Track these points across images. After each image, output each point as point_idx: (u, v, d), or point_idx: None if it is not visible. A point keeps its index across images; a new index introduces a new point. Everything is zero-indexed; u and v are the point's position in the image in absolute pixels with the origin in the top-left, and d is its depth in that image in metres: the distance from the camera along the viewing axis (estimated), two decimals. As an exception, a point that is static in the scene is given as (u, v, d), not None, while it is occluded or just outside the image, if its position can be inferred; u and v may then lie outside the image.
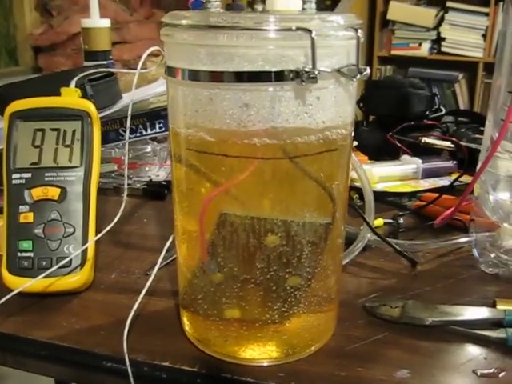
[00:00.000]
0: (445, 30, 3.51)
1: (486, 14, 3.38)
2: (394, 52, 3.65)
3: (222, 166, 0.44)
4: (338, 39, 0.42)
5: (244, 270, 0.46)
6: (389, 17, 3.58)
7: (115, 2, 3.27)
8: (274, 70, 0.40)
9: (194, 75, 0.42)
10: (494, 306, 0.55)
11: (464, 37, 3.47)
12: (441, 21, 3.53)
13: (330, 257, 0.49)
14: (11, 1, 3.17)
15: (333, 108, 0.43)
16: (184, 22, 0.42)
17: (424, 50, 3.57)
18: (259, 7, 0.45)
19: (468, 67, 3.50)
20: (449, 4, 3.47)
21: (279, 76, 0.40)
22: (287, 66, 0.40)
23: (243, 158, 0.43)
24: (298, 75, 0.40)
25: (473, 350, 0.51)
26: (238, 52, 0.40)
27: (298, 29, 0.39)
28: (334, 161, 0.46)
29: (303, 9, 0.47)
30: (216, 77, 0.41)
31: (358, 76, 0.43)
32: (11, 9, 3.18)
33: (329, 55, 0.42)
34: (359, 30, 0.43)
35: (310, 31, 0.39)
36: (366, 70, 0.43)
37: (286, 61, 0.40)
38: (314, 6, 0.48)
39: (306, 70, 0.40)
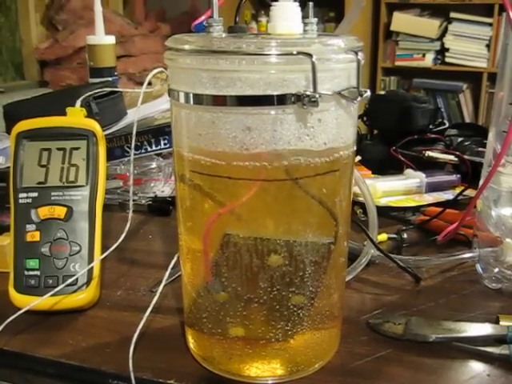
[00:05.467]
0: (448, 41, 3.52)
1: (490, 25, 3.39)
2: (397, 63, 3.65)
3: (226, 188, 0.45)
4: (339, 62, 0.43)
5: (248, 289, 0.46)
6: (392, 28, 3.59)
7: (120, 16, 3.30)
8: (275, 93, 0.41)
9: (197, 99, 0.43)
10: (497, 322, 0.56)
11: (468, 47, 3.48)
12: (444, 31, 3.54)
13: (333, 275, 0.50)
14: (17, 15, 3.19)
15: (334, 130, 0.44)
16: (187, 46, 0.43)
17: (428, 60, 3.57)
18: (263, 20, 0.45)
19: (472, 77, 3.51)
20: (452, 15, 3.47)
21: (281, 100, 0.41)
22: (289, 89, 0.41)
23: (246, 180, 0.44)
24: (299, 99, 0.41)
25: (476, 367, 0.51)
26: (240, 76, 0.41)
27: (298, 53, 0.40)
28: (336, 181, 0.47)
29: (305, 31, 0.48)
30: (218, 101, 0.42)
31: (359, 98, 0.43)
32: (17, 23, 3.20)
33: (329, 78, 0.42)
34: (359, 53, 0.43)
35: (310, 55, 0.40)
36: (366, 92, 0.43)
37: (287, 85, 0.41)
38: (315, 27, 0.49)
39: (308, 93, 0.40)
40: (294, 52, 0.40)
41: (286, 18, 0.46)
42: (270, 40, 0.41)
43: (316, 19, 0.48)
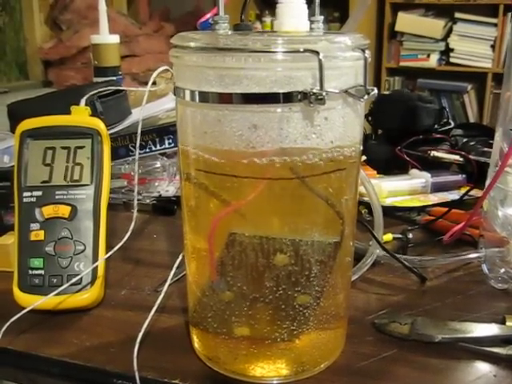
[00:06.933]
0: (453, 41, 3.52)
1: (495, 25, 3.38)
2: (402, 63, 3.65)
3: (231, 187, 0.44)
4: (346, 60, 0.43)
5: (253, 288, 0.46)
6: (397, 28, 3.59)
7: (125, 16, 3.30)
8: (282, 91, 0.40)
9: (203, 97, 0.43)
10: (503, 322, 0.55)
11: (473, 47, 3.47)
12: (449, 32, 3.53)
13: (339, 275, 0.49)
14: (21, 15, 3.20)
15: (341, 128, 0.44)
16: (193, 44, 0.42)
17: (432, 61, 3.57)
18: (267, 20, 0.45)
19: (477, 78, 3.50)
20: (457, 15, 3.47)
21: (287, 97, 0.40)
22: (295, 87, 0.41)
23: (252, 179, 0.43)
24: (305, 96, 0.40)
25: (482, 368, 0.51)
26: (246, 74, 0.41)
27: (305, 51, 0.40)
28: (342, 179, 0.46)
29: (311, 29, 0.48)
30: (224, 98, 0.41)
31: (366, 96, 0.43)
32: (21, 23, 3.21)
33: (336, 76, 0.42)
34: (366, 51, 0.43)
35: (317, 53, 0.39)
36: (373, 90, 0.43)
37: (294, 82, 0.41)
38: (321, 25, 0.49)
39: (314, 91, 0.40)
40: (301, 49, 0.40)
41: (293, 15, 0.45)
42: (276, 37, 0.41)
43: (322, 17, 0.48)
